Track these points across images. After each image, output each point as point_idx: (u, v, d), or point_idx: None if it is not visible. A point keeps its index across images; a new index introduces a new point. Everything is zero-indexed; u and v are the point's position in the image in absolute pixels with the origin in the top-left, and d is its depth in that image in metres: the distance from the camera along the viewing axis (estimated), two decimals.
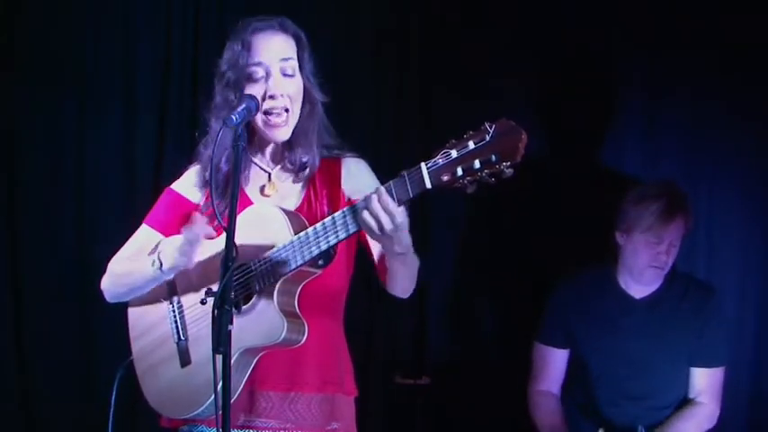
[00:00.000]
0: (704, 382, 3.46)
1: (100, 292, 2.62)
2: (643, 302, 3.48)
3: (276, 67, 2.47)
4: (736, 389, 3.67)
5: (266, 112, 2.47)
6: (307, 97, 2.52)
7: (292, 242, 2.34)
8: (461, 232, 4.04)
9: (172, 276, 2.50)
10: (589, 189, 3.84)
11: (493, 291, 4.00)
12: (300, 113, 2.52)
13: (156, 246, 2.54)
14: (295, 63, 2.50)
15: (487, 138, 2.07)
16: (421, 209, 3.92)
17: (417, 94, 4.01)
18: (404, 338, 3.98)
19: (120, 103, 3.98)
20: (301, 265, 2.34)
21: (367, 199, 2.21)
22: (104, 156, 3.96)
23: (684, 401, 3.46)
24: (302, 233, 2.33)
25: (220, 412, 2.14)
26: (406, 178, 2.16)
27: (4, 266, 3.91)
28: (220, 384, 2.14)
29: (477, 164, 2.07)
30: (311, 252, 2.31)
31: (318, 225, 2.31)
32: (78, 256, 3.89)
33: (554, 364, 3.58)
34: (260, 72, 2.47)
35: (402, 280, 2.45)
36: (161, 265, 2.45)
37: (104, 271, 2.62)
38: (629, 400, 3.44)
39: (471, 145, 2.08)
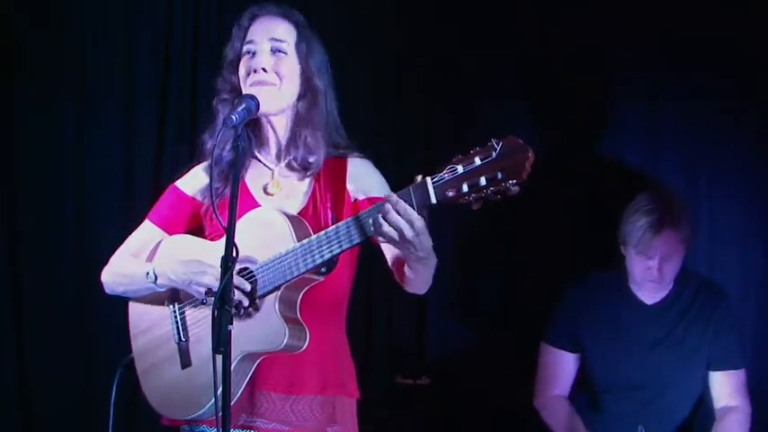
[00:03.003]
0: (729, 385, 3.43)
1: (100, 284, 2.63)
2: (654, 308, 3.44)
3: (266, 45, 2.50)
4: None
5: (251, 84, 2.48)
6: (307, 84, 2.52)
7: (295, 249, 2.33)
8: (462, 232, 4.04)
9: (165, 289, 2.51)
10: (589, 188, 3.84)
11: (494, 291, 3.99)
12: (299, 101, 2.52)
13: (157, 244, 2.56)
14: (289, 46, 2.51)
15: (494, 154, 2.06)
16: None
17: (418, 95, 4.01)
18: (404, 339, 3.98)
19: (120, 104, 3.98)
20: (304, 273, 2.33)
21: (382, 208, 2.18)
22: (104, 156, 3.96)
23: (718, 410, 3.42)
24: (305, 241, 2.32)
25: (221, 414, 2.14)
26: (411, 192, 2.15)
27: (4, 266, 3.91)
28: (220, 388, 2.13)
29: (483, 180, 2.06)
30: (314, 260, 2.30)
31: (322, 234, 2.30)
32: (78, 256, 3.88)
33: (563, 366, 3.52)
34: (251, 49, 2.51)
35: (423, 282, 2.42)
36: (156, 279, 2.48)
37: (107, 263, 2.63)
38: (638, 404, 3.40)
39: (478, 161, 2.07)
